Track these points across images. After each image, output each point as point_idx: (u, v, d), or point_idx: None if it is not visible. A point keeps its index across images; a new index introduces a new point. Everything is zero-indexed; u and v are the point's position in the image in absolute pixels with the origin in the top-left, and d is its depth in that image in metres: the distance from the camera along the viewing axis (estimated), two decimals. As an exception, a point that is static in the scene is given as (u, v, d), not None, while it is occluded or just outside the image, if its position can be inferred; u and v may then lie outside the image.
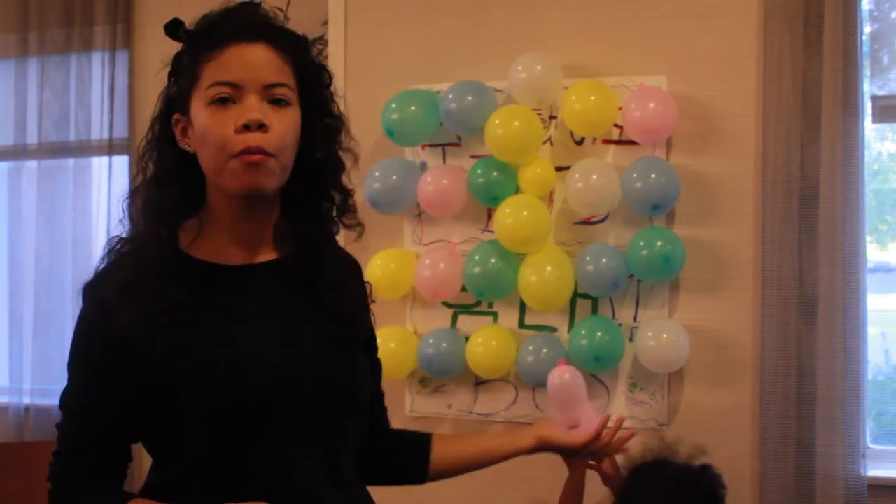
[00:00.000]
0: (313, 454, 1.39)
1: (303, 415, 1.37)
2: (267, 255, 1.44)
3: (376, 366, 1.60)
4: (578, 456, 1.81)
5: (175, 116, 1.42)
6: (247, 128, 1.32)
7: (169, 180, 1.41)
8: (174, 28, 1.46)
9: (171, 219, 1.40)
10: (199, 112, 1.36)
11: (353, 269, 1.57)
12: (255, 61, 1.35)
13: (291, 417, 1.36)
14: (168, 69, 1.46)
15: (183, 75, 1.41)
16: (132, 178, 1.48)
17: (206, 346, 1.35)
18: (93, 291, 1.41)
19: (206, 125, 1.35)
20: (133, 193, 1.44)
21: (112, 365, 1.39)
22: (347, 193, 1.48)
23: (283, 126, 1.35)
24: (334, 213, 1.47)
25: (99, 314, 1.40)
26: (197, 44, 1.41)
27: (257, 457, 1.34)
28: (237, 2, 1.45)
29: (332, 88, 1.47)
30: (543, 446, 1.72)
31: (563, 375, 2.07)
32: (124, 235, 1.44)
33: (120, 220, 1.45)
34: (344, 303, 1.47)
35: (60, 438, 1.42)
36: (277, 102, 1.36)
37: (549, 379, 2.04)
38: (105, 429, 1.38)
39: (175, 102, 1.43)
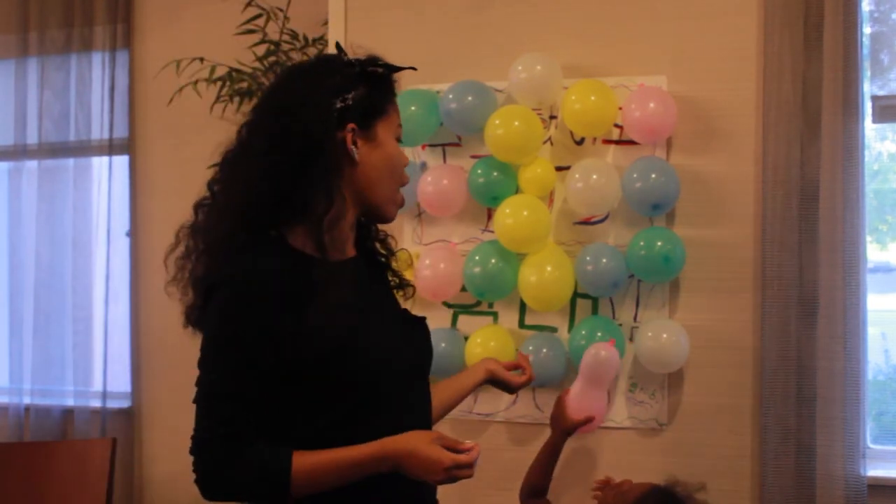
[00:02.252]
0: (425, 408, 1.79)
1: (420, 376, 1.78)
2: (351, 252, 1.77)
3: None
4: (511, 392, 2.29)
5: (351, 125, 1.68)
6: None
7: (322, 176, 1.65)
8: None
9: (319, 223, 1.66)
10: (389, 141, 1.75)
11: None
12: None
13: (414, 379, 1.75)
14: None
15: (371, 100, 1.71)
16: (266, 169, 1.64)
17: (347, 328, 1.61)
18: (251, 287, 1.58)
19: (397, 156, 1.76)
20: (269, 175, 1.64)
21: (273, 347, 1.57)
22: None
23: None
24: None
25: (260, 308, 1.57)
26: (385, 84, 1.78)
27: (391, 412, 1.66)
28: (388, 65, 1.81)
29: None
30: (491, 378, 2.20)
31: (599, 352, 2.57)
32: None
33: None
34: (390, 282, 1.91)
35: (217, 408, 1.57)
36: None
37: (589, 348, 2.58)
38: (259, 400, 1.57)
39: (350, 113, 1.68)
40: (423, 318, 1.86)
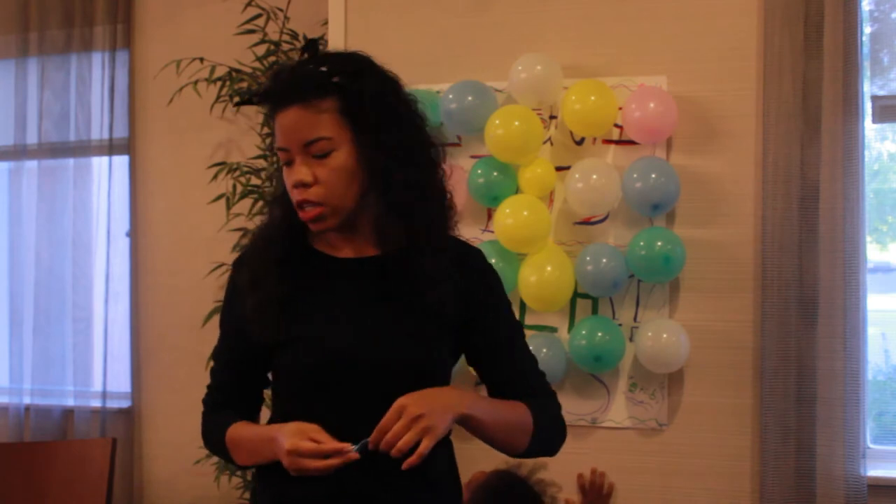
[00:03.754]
0: (362, 417, 1.53)
1: (362, 383, 1.56)
2: (369, 252, 1.64)
3: (491, 346, 1.70)
4: None
5: None
6: (294, 188, 1.56)
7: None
8: (246, 102, 1.74)
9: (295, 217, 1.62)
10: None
11: (455, 262, 1.65)
12: (290, 126, 1.55)
13: (352, 385, 1.56)
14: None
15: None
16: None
17: (292, 324, 1.60)
18: (234, 272, 1.69)
19: (284, 182, 1.60)
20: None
21: (238, 333, 1.66)
22: (441, 196, 1.66)
23: (327, 175, 1.54)
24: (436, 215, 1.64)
25: (234, 293, 1.68)
26: (266, 101, 1.63)
27: (324, 411, 1.56)
28: (281, 65, 1.62)
29: (393, 98, 1.62)
30: None
31: None
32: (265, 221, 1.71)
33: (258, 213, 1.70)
34: (426, 295, 1.60)
35: (210, 375, 1.75)
36: (320, 155, 1.54)
37: None
38: (238, 373, 1.71)
39: None
40: (426, 331, 1.62)
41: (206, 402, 1.77)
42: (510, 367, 1.70)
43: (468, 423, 1.57)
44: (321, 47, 1.61)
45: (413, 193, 1.59)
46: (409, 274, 1.60)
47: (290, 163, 1.57)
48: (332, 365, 1.57)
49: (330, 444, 1.48)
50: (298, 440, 1.49)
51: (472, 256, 1.70)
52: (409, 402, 1.48)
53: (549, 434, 1.68)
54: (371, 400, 1.53)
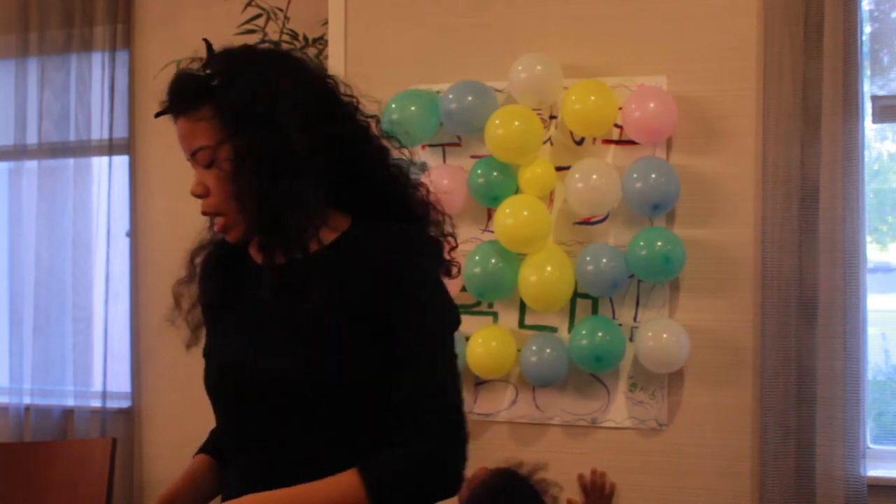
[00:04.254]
0: (259, 436, 1.47)
1: (246, 401, 1.47)
2: (259, 259, 1.52)
3: (400, 355, 1.45)
4: None
5: None
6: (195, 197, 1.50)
7: None
8: (159, 114, 1.57)
9: None
10: None
11: (376, 258, 1.46)
12: (179, 136, 1.49)
13: (238, 401, 1.49)
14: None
15: None
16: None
17: (210, 335, 1.60)
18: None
19: None
20: None
21: None
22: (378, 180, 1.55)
23: (214, 184, 1.47)
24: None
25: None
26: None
27: (226, 428, 1.56)
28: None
29: (267, 99, 1.45)
30: None
31: None
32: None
33: None
34: (350, 292, 1.45)
35: None
36: (206, 165, 1.47)
37: None
38: None
39: None
40: (313, 342, 1.46)
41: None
42: (403, 390, 1.42)
43: None
44: (215, 47, 1.52)
45: (279, 202, 1.43)
46: (298, 279, 1.47)
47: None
48: (224, 380, 1.52)
49: None
50: None
51: (380, 248, 1.46)
52: None
53: (399, 496, 1.39)
54: (265, 416, 1.44)
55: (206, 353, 1.58)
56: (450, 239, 1.60)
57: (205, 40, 1.54)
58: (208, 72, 1.48)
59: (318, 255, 1.47)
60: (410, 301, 1.44)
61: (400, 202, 1.55)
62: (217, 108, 1.44)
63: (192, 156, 1.47)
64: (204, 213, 1.50)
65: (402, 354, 1.43)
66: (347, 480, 1.37)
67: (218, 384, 1.53)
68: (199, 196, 1.48)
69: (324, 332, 1.43)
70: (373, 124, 1.61)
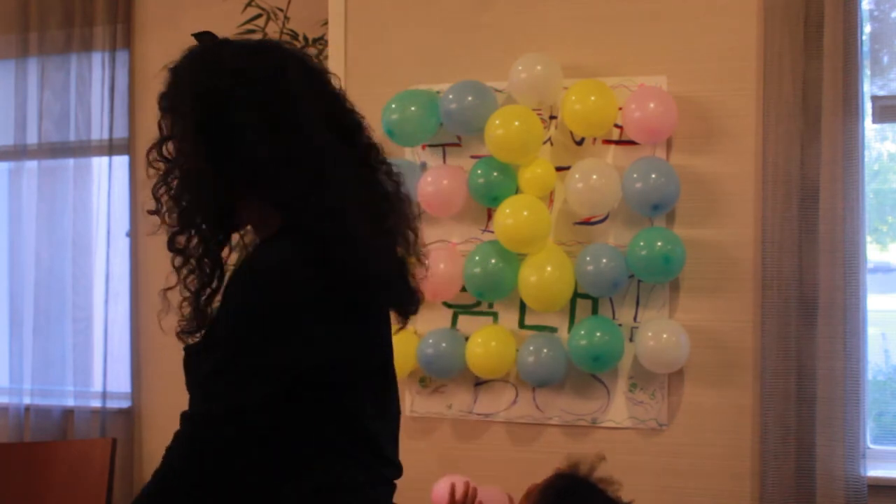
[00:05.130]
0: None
1: None
2: None
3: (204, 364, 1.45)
4: None
5: None
6: None
7: None
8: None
9: None
10: None
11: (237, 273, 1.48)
12: None
13: None
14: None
15: None
16: None
17: None
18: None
19: None
20: None
21: None
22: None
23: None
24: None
25: None
26: None
27: None
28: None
29: (172, 100, 1.51)
30: None
31: None
32: None
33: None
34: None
35: None
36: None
37: None
38: None
39: None
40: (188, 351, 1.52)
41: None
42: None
43: None
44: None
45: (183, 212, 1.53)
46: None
47: None
48: None
49: None
50: None
51: (244, 269, 1.46)
52: None
53: (161, 489, 1.42)
54: None
55: None
56: (420, 258, 1.59)
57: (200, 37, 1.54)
58: (165, 89, 1.57)
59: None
60: (225, 309, 1.45)
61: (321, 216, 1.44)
62: (172, 112, 1.55)
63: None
64: None
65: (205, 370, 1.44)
66: None
67: None
68: None
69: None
70: (365, 127, 1.57)
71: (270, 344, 1.40)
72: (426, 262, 1.62)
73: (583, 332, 2.83)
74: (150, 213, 1.54)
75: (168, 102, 1.49)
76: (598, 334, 2.81)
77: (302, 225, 1.42)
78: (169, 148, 1.50)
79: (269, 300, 1.39)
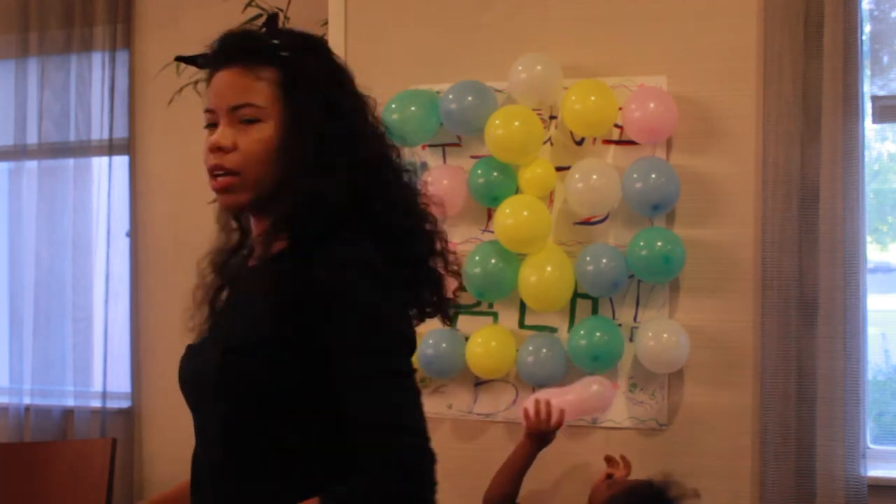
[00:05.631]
0: (204, 436, 1.50)
1: (191, 401, 1.52)
2: (259, 257, 1.50)
3: (340, 380, 1.36)
4: None
5: None
6: (209, 152, 1.43)
7: None
8: (190, 59, 1.56)
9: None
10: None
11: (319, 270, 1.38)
12: (221, 87, 1.45)
13: (189, 401, 1.52)
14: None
15: None
16: None
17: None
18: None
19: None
20: None
21: None
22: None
23: (248, 144, 1.42)
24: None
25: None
26: (206, 66, 1.52)
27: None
28: (233, 30, 1.53)
29: (337, 90, 1.48)
30: None
31: (606, 393, 2.77)
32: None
33: None
34: (241, 304, 1.48)
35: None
36: (246, 122, 1.42)
37: (598, 384, 2.74)
38: None
39: None
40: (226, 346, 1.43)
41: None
42: (351, 422, 1.34)
43: None
44: (282, 24, 1.56)
45: (313, 195, 1.40)
46: (247, 285, 1.48)
47: (212, 125, 1.45)
48: (180, 381, 1.55)
49: None
50: None
51: (320, 261, 1.37)
52: None
53: None
54: (197, 419, 1.51)
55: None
56: (443, 251, 1.57)
57: (273, 15, 1.58)
58: (275, 41, 1.47)
59: (267, 263, 1.45)
60: (345, 323, 1.35)
61: (391, 215, 1.48)
62: (283, 76, 1.43)
63: (234, 109, 1.42)
64: (214, 167, 1.42)
65: (340, 378, 1.35)
66: None
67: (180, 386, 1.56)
68: (223, 149, 1.41)
69: (238, 339, 1.42)
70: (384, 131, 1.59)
71: (403, 344, 1.42)
72: (455, 266, 1.62)
73: (582, 332, 2.83)
74: None
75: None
76: (598, 334, 2.81)
77: (377, 221, 1.45)
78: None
79: (385, 299, 1.39)
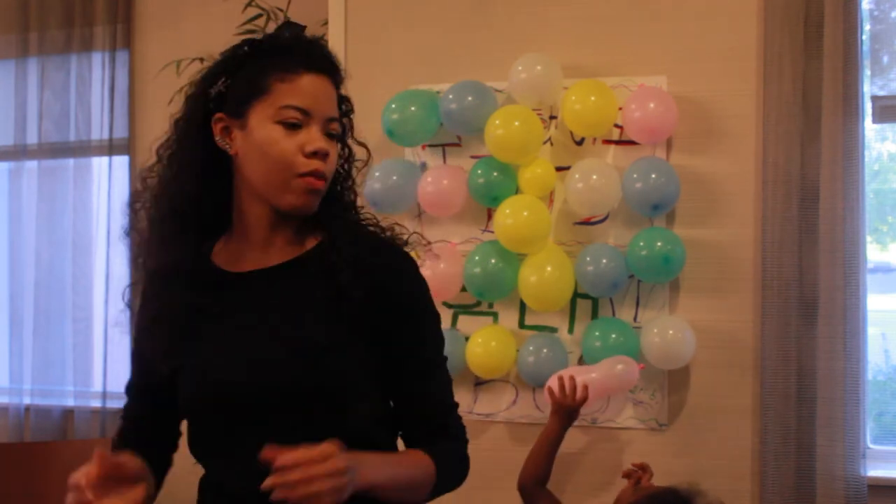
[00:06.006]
0: (252, 453, 1.31)
1: (252, 410, 1.44)
2: (279, 259, 1.51)
3: (412, 367, 1.52)
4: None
5: (218, 115, 1.49)
6: (314, 154, 1.44)
7: (195, 176, 1.50)
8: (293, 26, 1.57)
9: (195, 223, 1.51)
10: (264, 125, 1.45)
11: (380, 267, 1.49)
12: (323, 94, 1.48)
13: (242, 412, 1.44)
14: (206, 66, 1.53)
15: (244, 81, 1.48)
16: (145, 174, 1.60)
17: (183, 350, 1.49)
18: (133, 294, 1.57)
19: (274, 141, 1.44)
20: (155, 188, 1.55)
21: (141, 357, 1.59)
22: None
23: (334, 156, 1.50)
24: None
25: (135, 317, 1.57)
26: (267, 58, 1.48)
27: (214, 445, 1.50)
28: (299, 32, 1.53)
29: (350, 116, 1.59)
30: None
31: (634, 372, 2.75)
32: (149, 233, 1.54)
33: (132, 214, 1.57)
34: (354, 297, 1.45)
35: (123, 411, 1.65)
36: (331, 136, 1.49)
37: (621, 361, 2.72)
38: (145, 404, 1.62)
39: (220, 101, 1.49)
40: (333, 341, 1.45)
41: (119, 437, 1.61)
42: (421, 402, 1.52)
43: (368, 492, 1.39)
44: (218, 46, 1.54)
45: (352, 203, 1.58)
46: (313, 276, 1.48)
47: (297, 126, 1.44)
48: (214, 397, 1.45)
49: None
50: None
51: (386, 253, 1.51)
52: (341, 452, 1.29)
53: (448, 484, 1.54)
54: (265, 430, 1.37)
55: (188, 367, 1.48)
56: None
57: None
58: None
59: (305, 261, 1.49)
60: (419, 314, 1.53)
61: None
62: (346, 104, 1.56)
63: (329, 121, 1.47)
64: (318, 174, 1.45)
65: (412, 367, 1.51)
66: (425, 461, 1.49)
67: (204, 400, 1.47)
68: (325, 156, 1.46)
69: (326, 334, 1.44)
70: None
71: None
72: None
73: (597, 334, 2.82)
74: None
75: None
76: (613, 336, 2.80)
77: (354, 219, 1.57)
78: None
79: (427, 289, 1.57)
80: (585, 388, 2.60)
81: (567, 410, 2.60)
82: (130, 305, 1.59)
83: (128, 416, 1.63)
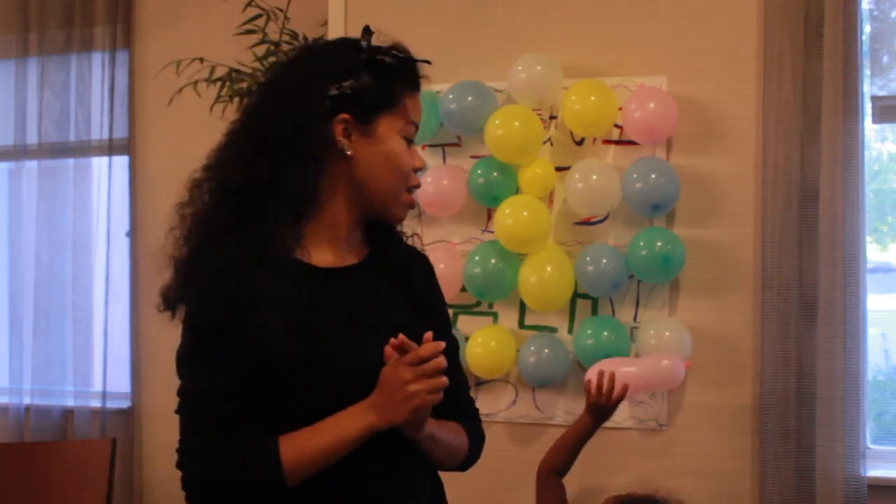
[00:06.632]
0: (390, 433, 1.47)
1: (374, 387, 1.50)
2: (352, 260, 1.58)
3: (452, 344, 1.66)
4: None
5: (343, 116, 1.52)
6: (417, 171, 1.59)
7: (304, 166, 1.50)
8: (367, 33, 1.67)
9: (295, 215, 1.52)
10: (393, 137, 1.55)
11: (420, 260, 1.71)
12: (419, 112, 1.62)
13: (370, 388, 1.48)
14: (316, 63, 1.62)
15: (373, 89, 1.54)
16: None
17: (300, 338, 1.46)
18: (215, 279, 1.48)
19: (400, 153, 1.55)
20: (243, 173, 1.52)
21: (244, 354, 1.46)
22: None
23: None
24: None
25: (229, 307, 1.47)
26: (402, 72, 1.58)
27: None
28: (403, 46, 1.67)
29: None
30: None
31: (679, 370, 2.73)
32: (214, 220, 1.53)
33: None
34: (415, 287, 1.64)
35: (198, 422, 1.47)
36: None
37: (668, 359, 2.72)
38: (247, 404, 1.47)
39: (343, 102, 1.51)
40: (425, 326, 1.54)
41: (196, 456, 1.47)
42: (453, 378, 1.53)
43: (425, 442, 1.53)
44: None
45: None
46: (398, 271, 1.63)
47: (411, 142, 1.59)
48: (351, 375, 1.47)
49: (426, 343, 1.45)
50: (398, 362, 1.44)
51: (418, 254, 1.73)
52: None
53: (474, 457, 1.73)
54: None
55: (313, 353, 1.46)
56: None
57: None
58: None
59: (375, 261, 1.62)
60: (444, 302, 1.74)
61: None
62: None
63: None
64: (417, 186, 1.61)
65: (450, 343, 1.60)
66: (462, 433, 1.67)
67: (349, 381, 1.48)
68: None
69: (423, 321, 1.58)
70: None
71: None
72: None
73: (589, 332, 2.82)
74: None
75: None
76: (605, 334, 2.80)
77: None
78: None
79: None
80: (624, 386, 2.51)
81: (602, 408, 2.51)
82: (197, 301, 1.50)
83: (216, 421, 1.47)
